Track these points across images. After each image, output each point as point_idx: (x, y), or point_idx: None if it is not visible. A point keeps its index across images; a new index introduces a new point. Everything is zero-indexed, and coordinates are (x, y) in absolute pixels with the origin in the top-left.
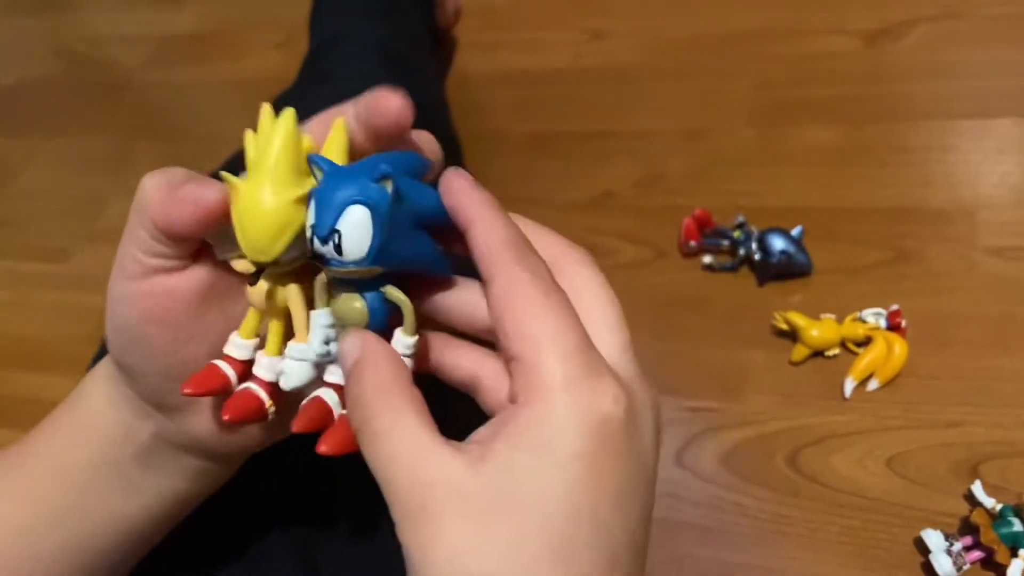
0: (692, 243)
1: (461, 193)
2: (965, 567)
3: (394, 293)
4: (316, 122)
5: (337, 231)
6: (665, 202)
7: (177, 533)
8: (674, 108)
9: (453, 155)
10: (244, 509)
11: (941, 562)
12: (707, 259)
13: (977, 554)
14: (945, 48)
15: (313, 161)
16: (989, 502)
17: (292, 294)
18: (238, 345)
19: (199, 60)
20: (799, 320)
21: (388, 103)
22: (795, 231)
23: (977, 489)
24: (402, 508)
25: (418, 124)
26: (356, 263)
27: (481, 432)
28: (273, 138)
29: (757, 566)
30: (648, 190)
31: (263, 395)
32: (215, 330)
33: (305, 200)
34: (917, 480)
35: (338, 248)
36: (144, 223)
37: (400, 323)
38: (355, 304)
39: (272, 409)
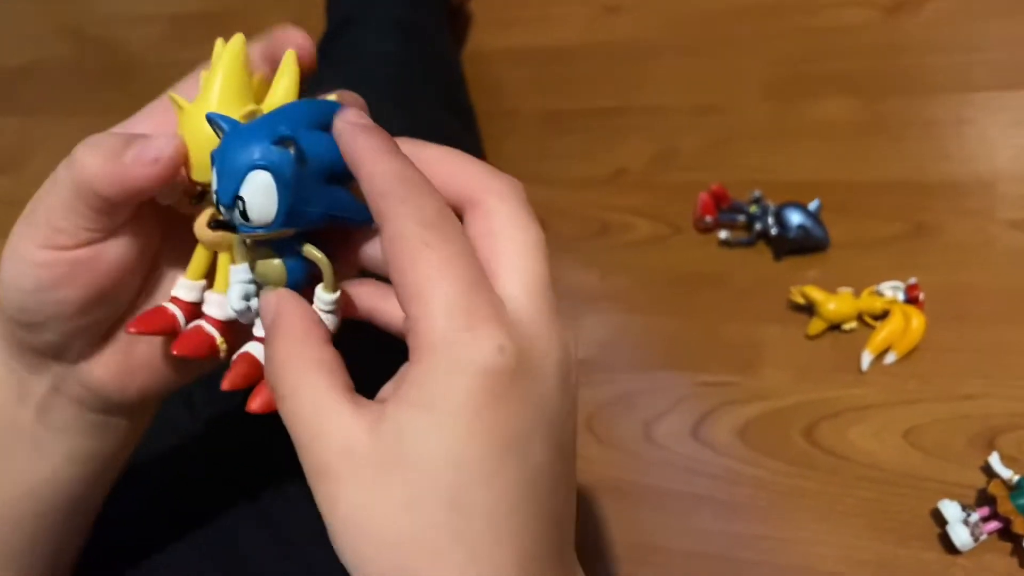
0: (708, 218)
1: (345, 135)
2: (982, 538)
3: (311, 251)
4: (259, 46)
5: (241, 197)
6: (680, 178)
7: (138, 511)
8: (688, 83)
9: (471, 131)
10: (209, 485)
11: (958, 533)
12: (723, 234)
13: (994, 525)
14: (963, 20)
15: (213, 120)
16: (1006, 473)
17: None
18: (186, 286)
19: (210, 39)
20: (816, 294)
21: (293, 36)
22: (812, 205)
23: (994, 461)
24: (308, 467)
25: (439, 99)
26: (265, 228)
27: (386, 388)
28: (219, 63)
29: (774, 537)
30: (663, 166)
31: (214, 332)
32: (131, 293)
33: (251, 118)
34: (934, 452)
35: (243, 214)
36: (83, 195)
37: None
38: (273, 263)
39: (224, 347)
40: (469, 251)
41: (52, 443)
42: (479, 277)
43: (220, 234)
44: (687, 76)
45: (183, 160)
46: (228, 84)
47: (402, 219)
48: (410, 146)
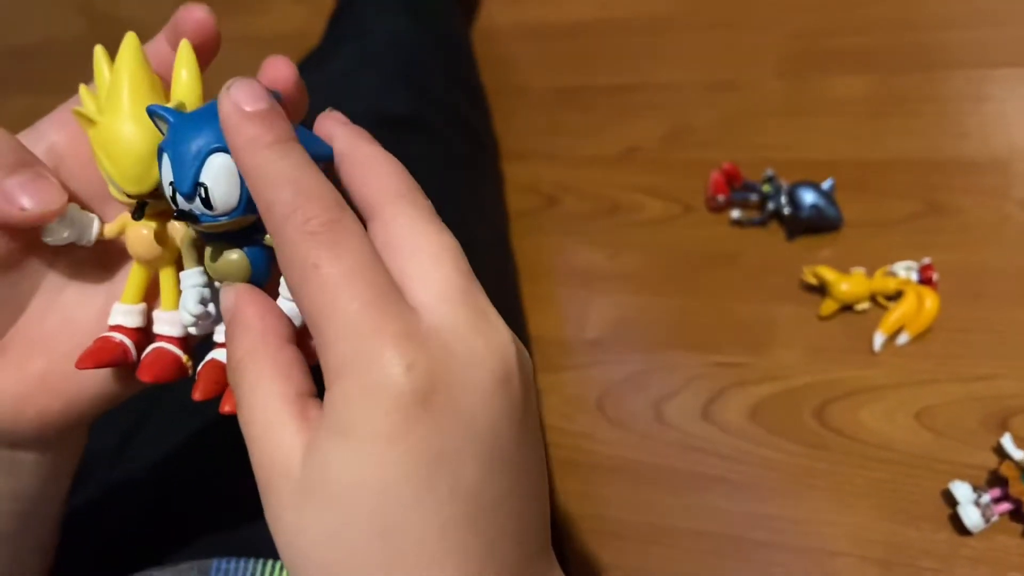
0: (720, 197)
1: (228, 126)
2: (993, 519)
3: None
4: (153, 44)
5: (202, 184)
6: (692, 156)
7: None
8: (701, 60)
9: (480, 108)
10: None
11: (969, 513)
12: (735, 214)
13: (1005, 506)
14: None
15: (154, 113)
16: (1018, 454)
17: (176, 226)
18: (126, 312)
19: (220, 15)
20: (829, 274)
21: (192, 11)
22: (826, 184)
23: (1007, 442)
24: (256, 478)
25: (448, 76)
26: (229, 215)
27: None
28: (121, 67)
29: (784, 518)
30: (675, 144)
31: (177, 351)
32: (2, 295)
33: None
34: (946, 433)
35: (206, 202)
36: None
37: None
38: (233, 257)
39: (190, 364)
40: (368, 262)
41: None
42: (381, 291)
43: (159, 249)
44: (700, 53)
45: (57, 214)
46: (136, 84)
47: (288, 237)
48: (348, 141)
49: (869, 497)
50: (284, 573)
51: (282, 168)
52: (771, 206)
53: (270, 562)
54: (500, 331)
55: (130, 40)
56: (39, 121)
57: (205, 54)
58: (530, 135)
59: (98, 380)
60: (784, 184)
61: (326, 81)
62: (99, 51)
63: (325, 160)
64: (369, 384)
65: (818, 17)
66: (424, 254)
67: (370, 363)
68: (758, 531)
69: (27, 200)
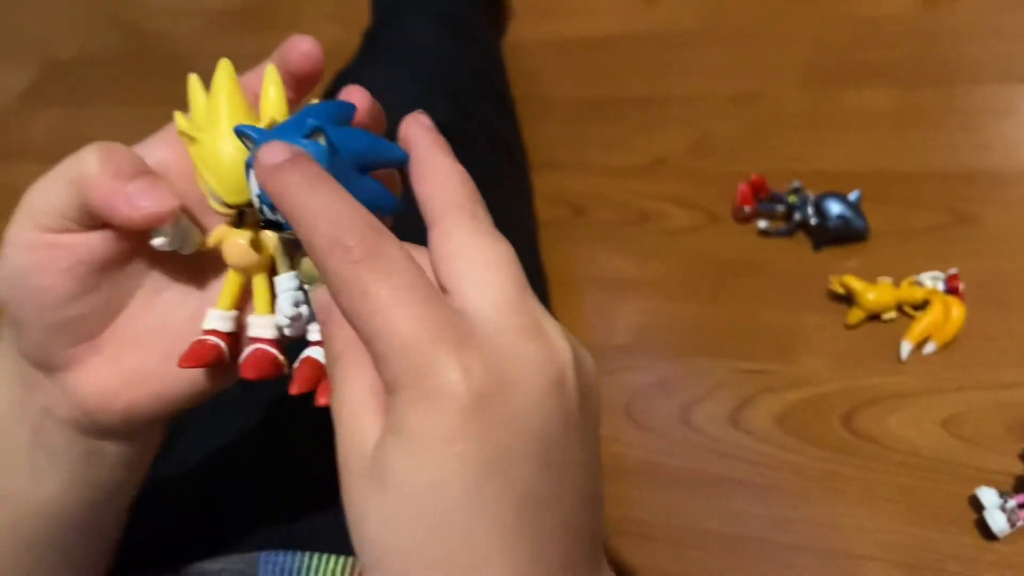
0: (746, 208)
1: (264, 176)
2: (1019, 523)
3: None
4: (250, 75)
5: None
6: (718, 167)
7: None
8: (726, 73)
9: (511, 120)
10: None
11: (995, 518)
12: (762, 224)
13: None
14: (1003, 10)
15: (241, 132)
16: None
17: (272, 236)
18: (221, 317)
19: (253, 32)
20: (855, 284)
21: (299, 43)
22: (852, 195)
23: None
24: (338, 461)
25: (480, 89)
26: None
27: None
28: (219, 89)
29: (812, 522)
30: (701, 155)
31: (275, 352)
32: (102, 295)
33: (271, 127)
34: (972, 440)
35: None
36: (77, 195)
37: None
38: None
39: (285, 363)
40: (413, 278)
41: (49, 467)
42: (431, 303)
43: (255, 257)
44: (725, 65)
45: (169, 218)
46: (232, 104)
47: (333, 269)
48: (422, 150)
49: (896, 502)
50: (329, 566)
51: (315, 205)
52: (798, 216)
53: (315, 555)
54: (554, 336)
55: (224, 66)
56: (147, 139)
57: (310, 79)
58: (557, 146)
59: (185, 379)
60: (811, 195)
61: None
62: (193, 79)
63: (399, 165)
64: (427, 389)
65: (839, 31)
66: (480, 263)
67: (428, 370)
68: (786, 535)
69: (146, 202)
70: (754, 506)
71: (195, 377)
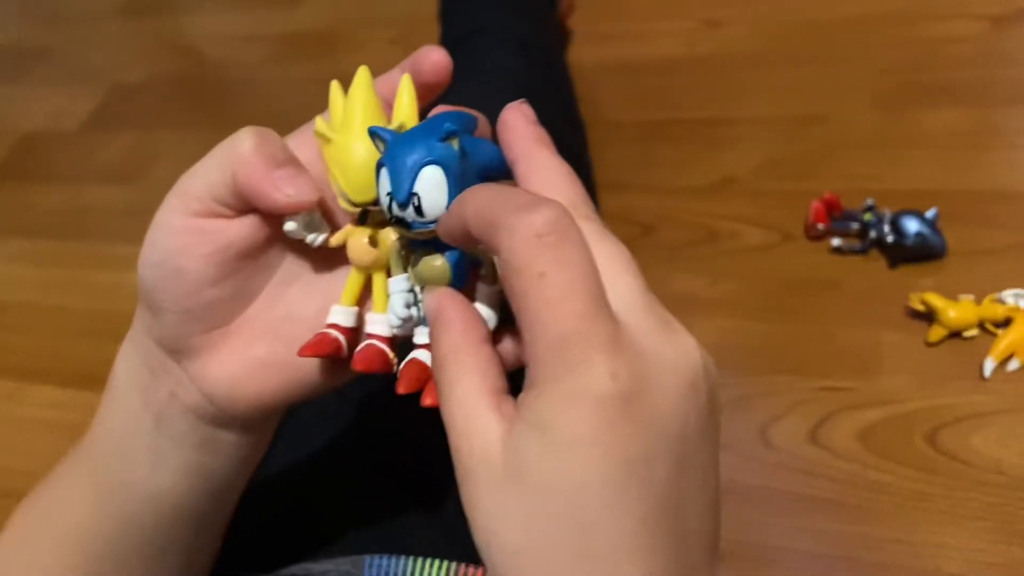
0: (820, 226)
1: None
2: None
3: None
4: (381, 80)
5: (415, 194)
6: (788, 186)
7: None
8: (794, 94)
9: (580, 140)
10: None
11: None
12: (836, 242)
13: None
14: None
15: (375, 133)
16: None
17: (389, 234)
18: (343, 312)
19: (315, 57)
20: (936, 301)
21: (430, 53)
22: (929, 213)
23: None
24: (456, 466)
25: (560, 113)
26: (435, 221)
27: (520, 396)
28: (355, 95)
29: (899, 540)
30: (770, 175)
31: (387, 349)
32: (237, 283)
33: (401, 131)
34: None
35: (418, 209)
36: (226, 176)
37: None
38: (436, 263)
39: (395, 360)
40: (589, 272)
41: (169, 453)
42: (597, 302)
43: (375, 254)
44: (791, 87)
45: (309, 206)
46: (367, 109)
47: (516, 246)
48: (527, 145)
49: (984, 520)
50: (432, 570)
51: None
52: (873, 234)
53: (419, 559)
54: (686, 338)
55: (363, 73)
56: (286, 137)
57: (438, 87)
58: (622, 167)
59: (308, 370)
60: (887, 213)
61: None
62: (335, 85)
63: (496, 167)
64: (577, 388)
65: (905, 54)
66: (606, 263)
67: (580, 369)
68: (872, 553)
69: (291, 190)
70: (838, 524)
71: (317, 369)
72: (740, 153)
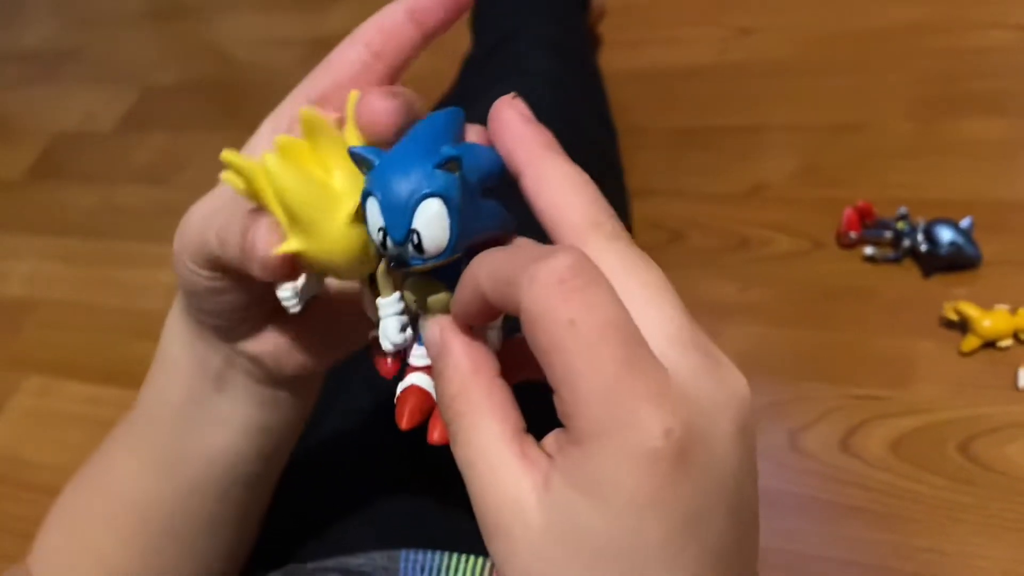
0: (852, 234)
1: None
2: None
3: None
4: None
5: (415, 231)
6: (820, 194)
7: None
8: (827, 102)
9: (613, 144)
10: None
11: None
12: (869, 250)
13: None
14: None
15: (357, 154)
16: None
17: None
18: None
19: None
20: (971, 310)
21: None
22: (964, 222)
23: None
24: (480, 520)
25: (595, 118)
26: (436, 258)
27: (550, 440)
28: (321, 143)
29: (934, 549)
30: (802, 182)
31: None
32: (267, 303)
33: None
34: None
35: (417, 247)
36: (219, 252)
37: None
38: (438, 294)
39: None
40: (620, 311)
41: (229, 412)
42: (635, 347)
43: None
44: (824, 95)
45: (288, 268)
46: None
47: (537, 295)
48: (533, 152)
49: (1019, 531)
50: (468, 565)
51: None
52: (907, 243)
53: (455, 555)
54: (735, 375)
55: (308, 119)
56: (263, 122)
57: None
58: (653, 173)
59: (346, 332)
60: (921, 222)
61: (485, 120)
62: (231, 155)
63: (495, 176)
64: (627, 447)
65: (941, 63)
66: (641, 293)
67: (629, 426)
68: (907, 562)
69: (270, 255)
70: (871, 533)
71: (353, 329)
72: (772, 160)
